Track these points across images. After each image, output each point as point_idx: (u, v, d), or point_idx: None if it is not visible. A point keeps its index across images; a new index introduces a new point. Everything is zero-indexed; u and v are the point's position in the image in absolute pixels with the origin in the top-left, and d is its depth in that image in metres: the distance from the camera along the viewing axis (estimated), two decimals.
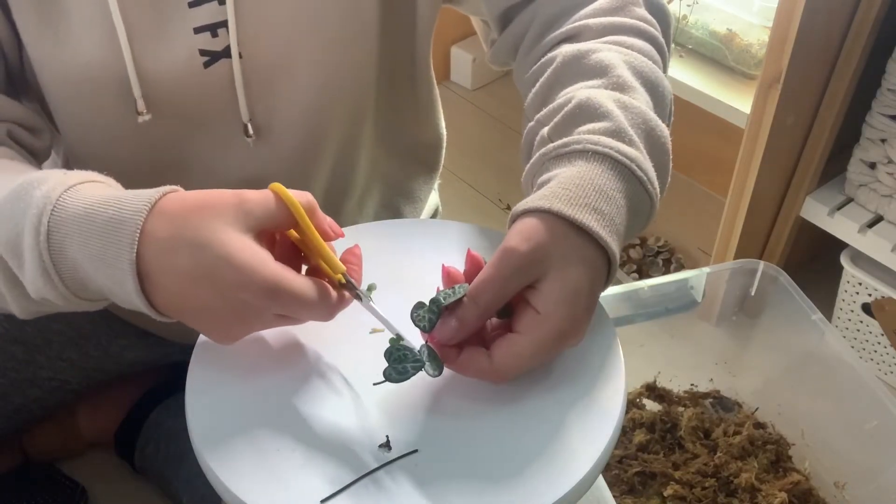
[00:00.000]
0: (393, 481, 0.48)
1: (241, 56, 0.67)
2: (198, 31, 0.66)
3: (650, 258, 1.46)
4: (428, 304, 0.51)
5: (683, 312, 0.98)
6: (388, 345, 0.52)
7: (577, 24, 0.64)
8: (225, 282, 0.49)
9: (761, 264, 0.97)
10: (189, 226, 0.49)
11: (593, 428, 0.51)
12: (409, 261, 0.63)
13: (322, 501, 0.47)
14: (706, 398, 1.03)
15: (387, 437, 0.50)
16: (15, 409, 0.91)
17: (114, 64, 0.65)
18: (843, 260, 1.19)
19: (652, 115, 0.56)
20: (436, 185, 0.97)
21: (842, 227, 1.16)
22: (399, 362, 0.51)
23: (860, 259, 1.18)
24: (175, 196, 0.51)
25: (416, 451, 0.50)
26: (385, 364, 0.51)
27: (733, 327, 1.04)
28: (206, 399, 0.53)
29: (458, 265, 0.54)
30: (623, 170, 0.52)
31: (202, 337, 0.57)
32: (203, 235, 0.49)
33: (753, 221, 1.20)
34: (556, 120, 0.57)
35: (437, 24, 0.79)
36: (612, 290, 0.87)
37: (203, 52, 0.67)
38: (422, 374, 0.52)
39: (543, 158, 0.55)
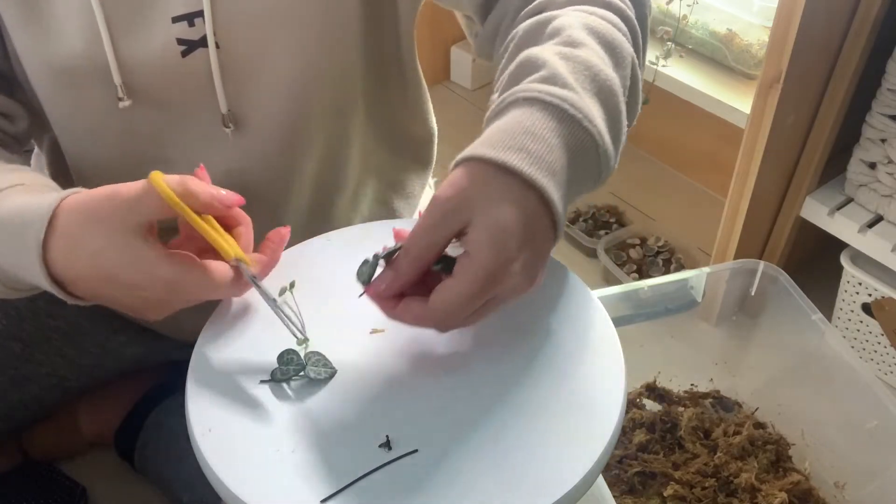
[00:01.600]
0: (393, 481, 0.48)
1: (217, 46, 0.68)
2: (175, 20, 0.67)
3: (650, 258, 1.46)
4: (371, 259, 0.53)
5: (683, 312, 0.99)
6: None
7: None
8: (125, 285, 0.54)
9: (761, 264, 0.97)
10: (81, 242, 0.54)
11: (593, 428, 0.51)
12: None
13: (322, 501, 0.47)
14: (706, 398, 1.03)
15: (387, 437, 0.50)
16: (13, 407, 0.91)
17: (95, 53, 0.66)
18: (843, 260, 1.19)
19: (596, 62, 0.55)
20: (430, 182, 0.97)
21: (842, 227, 1.17)
22: (285, 364, 0.55)
23: (860, 259, 1.18)
24: (67, 206, 0.55)
25: (416, 451, 0.50)
26: None
27: (733, 327, 1.04)
28: (205, 399, 0.53)
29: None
30: (554, 110, 0.51)
31: (202, 337, 0.57)
32: (93, 249, 0.53)
33: (753, 221, 1.20)
34: (502, 83, 0.57)
35: (437, 25, 0.79)
36: (612, 290, 0.87)
37: (180, 42, 0.68)
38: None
39: (486, 122, 0.55)
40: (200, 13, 0.67)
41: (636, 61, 0.61)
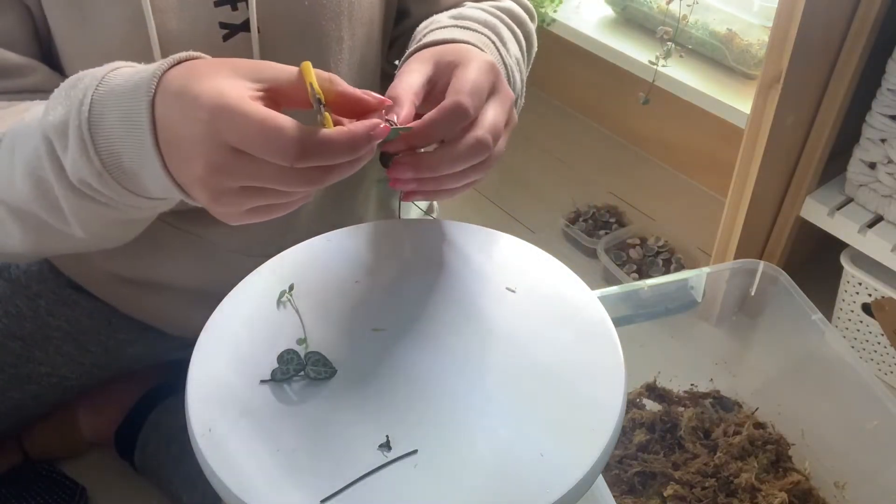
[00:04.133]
0: (393, 481, 0.48)
1: (258, 31, 0.69)
2: (218, 4, 0.68)
3: (650, 258, 1.46)
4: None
5: (683, 312, 0.99)
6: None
7: None
8: (191, 106, 0.50)
9: (761, 264, 0.97)
10: (194, 72, 0.52)
11: (593, 428, 0.51)
12: (404, 259, 0.63)
13: (322, 501, 0.47)
14: (706, 398, 1.03)
15: (387, 437, 0.50)
16: (13, 406, 0.91)
17: (136, 37, 0.66)
18: (843, 260, 1.19)
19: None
20: None
21: (842, 227, 1.16)
22: (285, 364, 0.55)
23: (860, 259, 1.18)
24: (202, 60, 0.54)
25: (415, 451, 0.50)
26: None
27: (733, 327, 1.04)
28: (205, 399, 0.53)
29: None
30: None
31: (202, 337, 0.57)
32: (197, 84, 0.50)
33: (753, 221, 1.20)
34: (438, 23, 0.71)
35: None
36: (612, 290, 0.87)
37: (223, 25, 0.69)
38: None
39: (427, 34, 0.69)
40: None
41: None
